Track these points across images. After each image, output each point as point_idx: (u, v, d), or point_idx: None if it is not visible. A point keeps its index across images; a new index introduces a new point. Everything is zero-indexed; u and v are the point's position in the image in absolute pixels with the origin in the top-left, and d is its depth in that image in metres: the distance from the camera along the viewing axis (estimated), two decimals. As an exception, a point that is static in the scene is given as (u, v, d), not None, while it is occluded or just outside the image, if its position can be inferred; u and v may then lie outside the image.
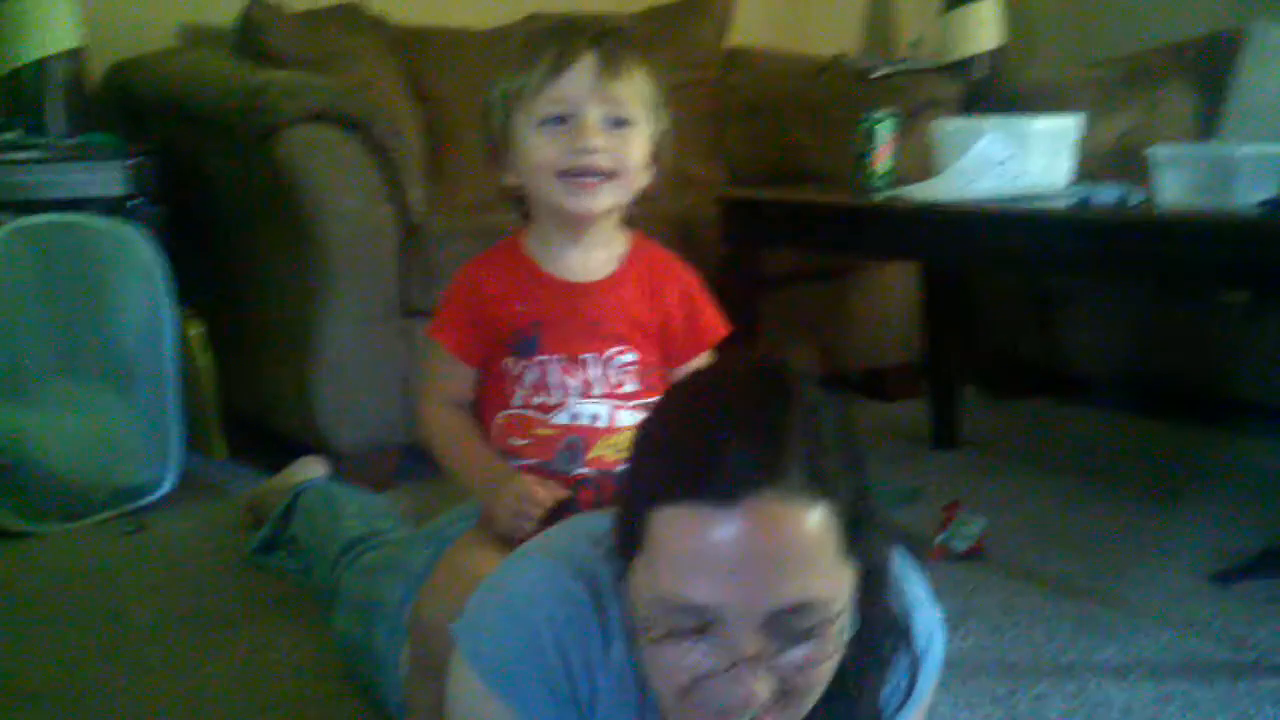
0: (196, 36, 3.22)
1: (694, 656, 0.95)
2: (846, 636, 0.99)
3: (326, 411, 2.54)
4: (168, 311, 2.54)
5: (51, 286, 2.47)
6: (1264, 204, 1.85)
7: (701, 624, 0.94)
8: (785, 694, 0.97)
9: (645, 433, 1.03)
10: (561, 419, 1.47)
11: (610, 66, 1.42)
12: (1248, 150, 1.99)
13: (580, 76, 1.42)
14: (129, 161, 2.67)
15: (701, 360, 1.55)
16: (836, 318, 3.16)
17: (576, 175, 1.43)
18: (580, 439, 1.47)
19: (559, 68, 1.42)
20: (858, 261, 3.13)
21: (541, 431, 1.47)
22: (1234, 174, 1.93)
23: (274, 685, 1.77)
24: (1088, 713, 1.65)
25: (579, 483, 1.46)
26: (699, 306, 1.55)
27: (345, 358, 2.54)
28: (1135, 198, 2.04)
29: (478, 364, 1.51)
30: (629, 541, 1.00)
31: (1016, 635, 1.87)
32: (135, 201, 2.66)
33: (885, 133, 2.54)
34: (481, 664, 1.11)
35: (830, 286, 3.15)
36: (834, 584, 0.96)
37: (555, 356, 1.47)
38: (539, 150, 1.43)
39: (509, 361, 1.48)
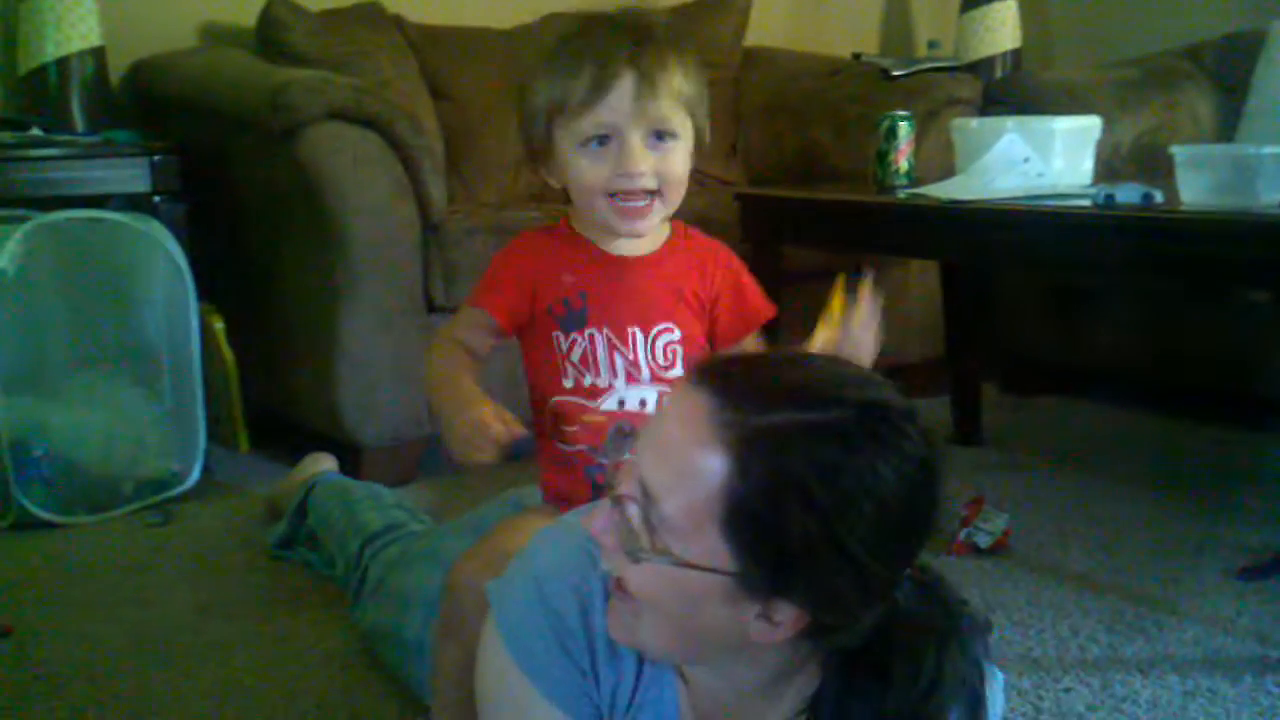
0: (217, 35, 3.23)
1: None
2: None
3: (349, 406, 2.55)
4: (191, 307, 2.54)
5: (76, 282, 2.49)
6: (1287, 204, 1.86)
7: None
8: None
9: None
10: (610, 405, 1.48)
11: (650, 84, 1.41)
12: (1270, 150, 1.98)
13: (620, 99, 1.40)
14: (151, 158, 2.69)
15: (750, 342, 1.56)
16: (857, 314, 3.15)
17: (624, 197, 1.43)
18: (629, 424, 1.46)
19: (598, 91, 1.40)
20: (879, 258, 3.13)
21: (590, 419, 1.48)
22: (1256, 174, 1.93)
23: (301, 673, 1.79)
24: (1113, 707, 1.66)
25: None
26: (744, 285, 1.57)
27: (367, 353, 2.55)
28: (1157, 197, 2.04)
29: (510, 331, 1.50)
30: None
31: (1042, 630, 1.88)
32: (158, 198, 2.67)
33: (906, 131, 2.55)
34: (508, 634, 1.12)
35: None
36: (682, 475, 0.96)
37: (602, 331, 1.47)
38: (585, 172, 1.43)
39: (558, 335, 1.48)
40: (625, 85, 1.40)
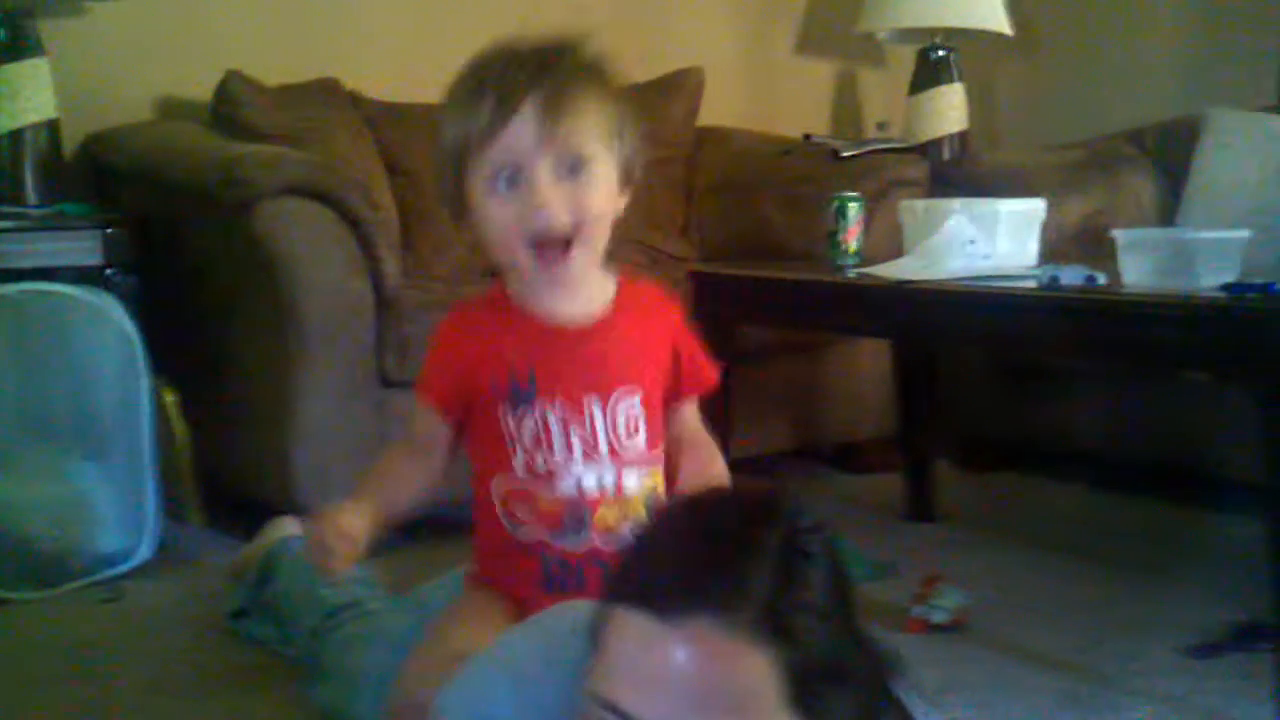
0: (172, 109, 3.23)
1: None
2: None
3: (304, 481, 2.53)
4: (143, 380, 2.53)
5: (26, 354, 2.46)
6: (1226, 287, 1.90)
7: None
8: None
9: (635, 543, 1.02)
10: (566, 488, 1.40)
11: (554, 107, 1.30)
12: (1208, 235, 2.05)
13: (523, 126, 1.30)
14: (104, 231, 2.68)
15: (691, 407, 1.50)
16: (810, 392, 3.19)
17: (542, 243, 1.34)
18: (586, 508, 1.40)
19: (498, 120, 1.30)
20: (831, 336, 3.17)
21: (545, 505, 1.41)
22: (1195, 257, 1.98)
23: (254, 757, 1.76)
24: (1069, 786, 1.67)
25: (590, 561, 1.40)
26: (693, 345, 1.50)
27: (322, 428, 2.54)
28: (1100, 279, 2.09)
29: (458, 415, 1.44)
30: (594, 637, 0.98)
31: (999, 708, 1.88)
32: (110, 271, 2.66)
33: (856, 212, 2.59)
34: None
35: (803, 361, 3.18)
36: None
37: (555, 402, 1.38)
38: (497, 217, 1.34)
39: (506, 416, 1.40)
40: (527, 109, 1.30)
